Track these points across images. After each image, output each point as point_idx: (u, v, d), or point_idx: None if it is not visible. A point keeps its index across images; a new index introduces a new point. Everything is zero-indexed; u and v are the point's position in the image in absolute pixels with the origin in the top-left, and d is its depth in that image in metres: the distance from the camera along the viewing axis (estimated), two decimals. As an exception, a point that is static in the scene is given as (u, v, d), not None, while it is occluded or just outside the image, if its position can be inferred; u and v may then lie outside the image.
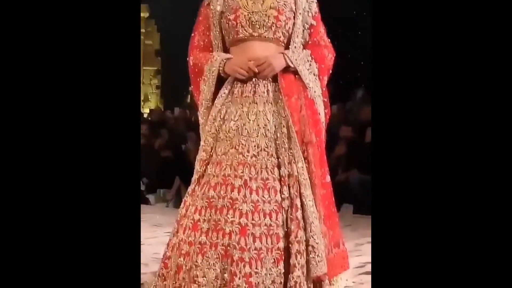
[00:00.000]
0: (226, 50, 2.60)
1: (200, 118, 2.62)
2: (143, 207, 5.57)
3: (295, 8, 2.55)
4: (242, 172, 2.37)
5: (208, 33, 2.62)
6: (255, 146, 2.42)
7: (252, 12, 2.52)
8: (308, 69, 2.56)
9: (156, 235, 5.05)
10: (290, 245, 2.30)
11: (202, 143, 2.51)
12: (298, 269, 2.29)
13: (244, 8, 2.53)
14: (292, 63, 2.51)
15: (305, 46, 2.60)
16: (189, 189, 2.46)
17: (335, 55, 2.66)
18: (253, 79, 2.50)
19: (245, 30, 2.52)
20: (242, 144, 2.42)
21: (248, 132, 2.44)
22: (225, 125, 2.47)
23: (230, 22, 2.53)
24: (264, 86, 2.50)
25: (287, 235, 2.32)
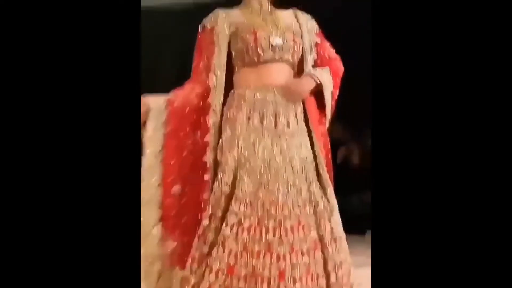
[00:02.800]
0: (230, 73, 2.51)
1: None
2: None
3: (302, 30, 2.53)
4: (275, 212, 2.31)
5: (210, 58, 2.49)
6: (284, 183, 2.35)
7: (271, 34, 2.46)
8: (328, 86, 2.52)
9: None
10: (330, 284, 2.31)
11: (220, 175, 2.38)
12: None
13: (262, 29, 2.47)
14: (320, 80, 2.47)
15: (315, 64, 2.56)
16: (205, 223, 2.33)
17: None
18: (274, 106, 2.43)
19: (266, 53, 2.44)
20: (272, 182, 2.34)
21: (275, 168, 2.36)
22: (249, 159, 2.37)
23: (248, 45, 2.44)
24: (285, 117, 2.44)
25: (326, 272, 2.32)
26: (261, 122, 2.41)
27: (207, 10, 2.57)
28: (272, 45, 2.44)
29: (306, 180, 2.38)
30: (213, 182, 2.38)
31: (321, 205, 2.37)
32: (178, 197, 2.40)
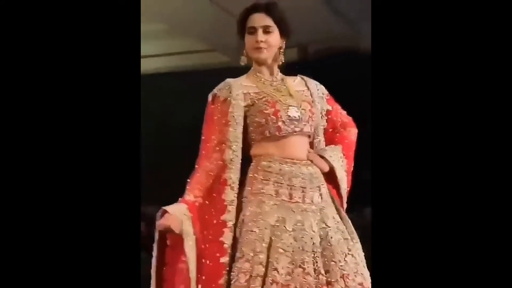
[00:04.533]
0: (246, 147, 2.37)
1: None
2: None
3: (313, 97, 2.45)
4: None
5: (225, 131, 2.33)
6: (312, 262, 2.24)
7: (289, 106, 2.36)
8: (341, 166, 2.44)
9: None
10: None
11: (250, 254, 2.22)
12: None
13: (280, 101, 2.36)
14: (332, 164, 2.40)
15: (326, 132, 2.48)
16: None
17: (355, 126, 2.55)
18: (301, 180, 2.33)
19: (286, 126, 2.33)
20: (307, 262, 2.23)
21: (302, 246, 2.25)
22: (280, 236, 2.24)
23: (268, 118, 2.32)
24: (312, 191, 2.34)
25: None
26: (290, 197, 2.30)
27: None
28: (290, 117, 2.34)
29: (325, 258, 2.28)
30: (230, 264, 2.23)
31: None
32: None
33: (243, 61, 2.42)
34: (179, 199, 2.26)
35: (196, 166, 2.33)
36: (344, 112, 2.55)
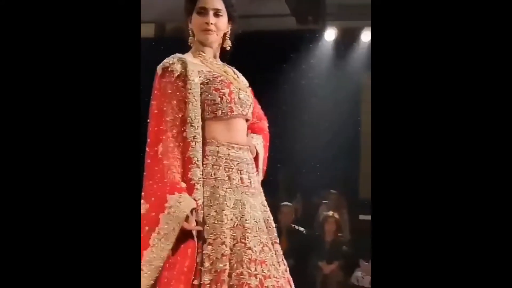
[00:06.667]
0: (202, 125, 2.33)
1: None
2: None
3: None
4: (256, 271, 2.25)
5: (184, 108, 2.30)
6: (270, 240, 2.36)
7: (239, 89, 2.39)
8: (262, 155, 2.53)
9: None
10: None
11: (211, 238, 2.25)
12: None
13: (232, 84, 2.37)
14: (258, 152, 2.50)
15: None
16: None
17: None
18: (245, 164, 2.38)
19: (237, 107, 2.35)
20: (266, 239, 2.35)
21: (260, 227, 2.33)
22: (245, 216, 2.30)
23: (223, 97, 2.32)
24: (253, 174, 2.42)
25: None
26: (241, 181, 2.34)
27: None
28: (241, 99, 2.36)
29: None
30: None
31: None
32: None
33: (190, 41, 2.43)
34: (176, 185, 2.22)
35: (160, 137, 2.27)
36: (260, 108, 2.61)
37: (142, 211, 2.19)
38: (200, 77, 2.32)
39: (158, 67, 2.34)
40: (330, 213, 6.55)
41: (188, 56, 2.39)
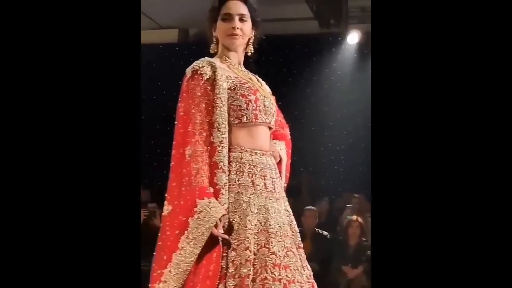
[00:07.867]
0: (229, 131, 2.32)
1: None
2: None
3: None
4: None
5: (211, 112, 2.27)
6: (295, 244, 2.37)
7: (264, 96, 2.38)
8: (286, 161, 2.53)
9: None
10: None
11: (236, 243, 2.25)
12: None
13: (259, 92, 2.36)
14: (282, 157, 2.50)
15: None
16: None
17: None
18: (269, 170, 2.37)
19: (262, 115, 2.34)
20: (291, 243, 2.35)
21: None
22: (270, 221, 2.29)
23: (250, 104, 2.31)
24: (277, 180, 2.41)
25: None
26: (265, 186, 2.33)
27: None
28: (266, 107, 2.36)
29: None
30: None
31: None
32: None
33: (212, 49, 2.44)
34: (205, 190, 2.21)
35: (187, 139, 2.25)
36: (282, 116, 2.60)
37: (164, 212, 2.22)
38: (228, 82, 2.32)
39: (187, 69, 2.34)
40: (354, 217, 6.49)
41: (216, 61, 2.39)
